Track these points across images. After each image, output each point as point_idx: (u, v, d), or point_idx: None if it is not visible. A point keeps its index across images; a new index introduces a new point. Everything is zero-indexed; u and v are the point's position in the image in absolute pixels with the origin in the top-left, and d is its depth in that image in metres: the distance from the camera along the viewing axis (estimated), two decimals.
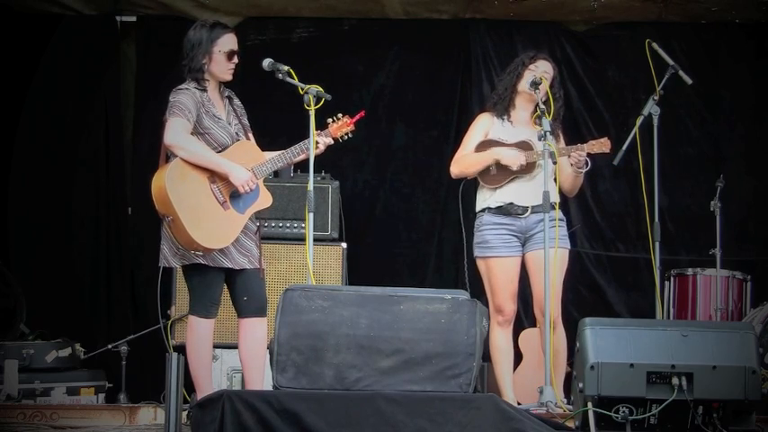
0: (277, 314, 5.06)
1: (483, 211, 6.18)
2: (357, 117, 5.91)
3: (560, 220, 6.13)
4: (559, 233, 6.06)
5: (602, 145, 6.17)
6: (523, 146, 6.14)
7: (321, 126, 5.79)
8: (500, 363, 6.16)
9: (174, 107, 5.45)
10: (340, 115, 5.86)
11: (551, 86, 6.15)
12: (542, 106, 6.00)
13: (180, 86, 5.55)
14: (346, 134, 5.88)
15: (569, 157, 6.10)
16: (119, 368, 6.85)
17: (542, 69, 6.18)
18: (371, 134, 7.50)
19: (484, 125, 6.29)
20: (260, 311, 5.60)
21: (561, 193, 6.28)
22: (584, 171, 6.15)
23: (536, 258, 6.03)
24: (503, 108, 6.24)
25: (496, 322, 6.12)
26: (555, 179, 6.04)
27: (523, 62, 6.24)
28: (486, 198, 6.19)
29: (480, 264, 6.20)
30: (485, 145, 6.21)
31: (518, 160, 6.08)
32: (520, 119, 6.25)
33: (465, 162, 6.24)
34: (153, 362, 6.56)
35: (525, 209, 6.11)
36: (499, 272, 6.11)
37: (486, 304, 6.05)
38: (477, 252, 6.20)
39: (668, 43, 6.90)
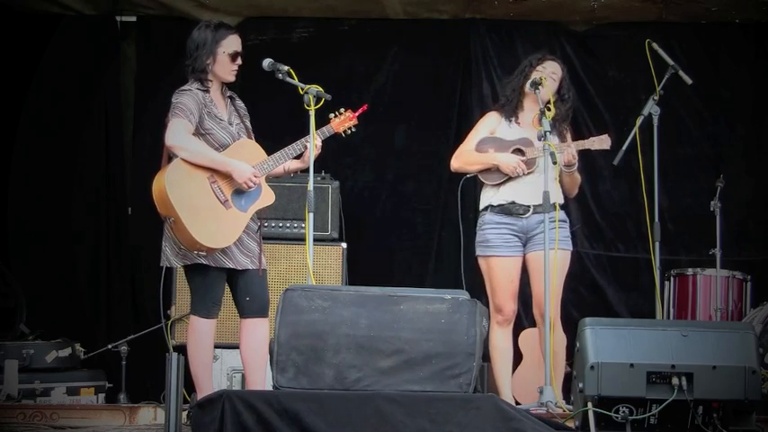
0: (277, 314, 5.05)
1: (486, 209, 6.17)
2: (360, 111, 5.90)
3: (563, 221, 6.13)
4: (561, 234, 6.06)
5: (602, 142, 6.15)
6: (524, 142, 6.14)
7: (322, 124, 5.79)
8: (498, 362, 6.15)
9: (177, 108, 5.45)
10: (342, 110, 5.85)
11: (560, 87, 6.15)
12: (542, 106, 5.99)
13: (183, 87, 5.55)
14: (350, 128, 5.87)
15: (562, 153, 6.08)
16: (119, 368, 6.86)
17: (550, 70, 6.16)
18: (371, 134, 7.49)
19: (490, 124, 6.28)
20: (262, 311, 5.60)
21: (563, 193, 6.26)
22: (572, 170, 6.14)
23: (536, 259, 6.02)
24: (511, 110, 6.23)
25: (496, 322, 6.12)
26: (558, 179, 6.05)
27: (531, 63, 6.22)
28: (489, 197, 6.18)
29: (481, 263, 6.20)
30: (486, 142, 6.21)
31: (516, 169, 6.07)
32: (527, 120, 6.23)
33: (466, 159, 6.24)
34: (153, 362, 6.55)
35: (527, 208, 6.10)
36: (499, 271, 6.11)
37: (486, 304, 6.05)
38: (478, 251, 6.20)
39: (668, 43, 6.88)
